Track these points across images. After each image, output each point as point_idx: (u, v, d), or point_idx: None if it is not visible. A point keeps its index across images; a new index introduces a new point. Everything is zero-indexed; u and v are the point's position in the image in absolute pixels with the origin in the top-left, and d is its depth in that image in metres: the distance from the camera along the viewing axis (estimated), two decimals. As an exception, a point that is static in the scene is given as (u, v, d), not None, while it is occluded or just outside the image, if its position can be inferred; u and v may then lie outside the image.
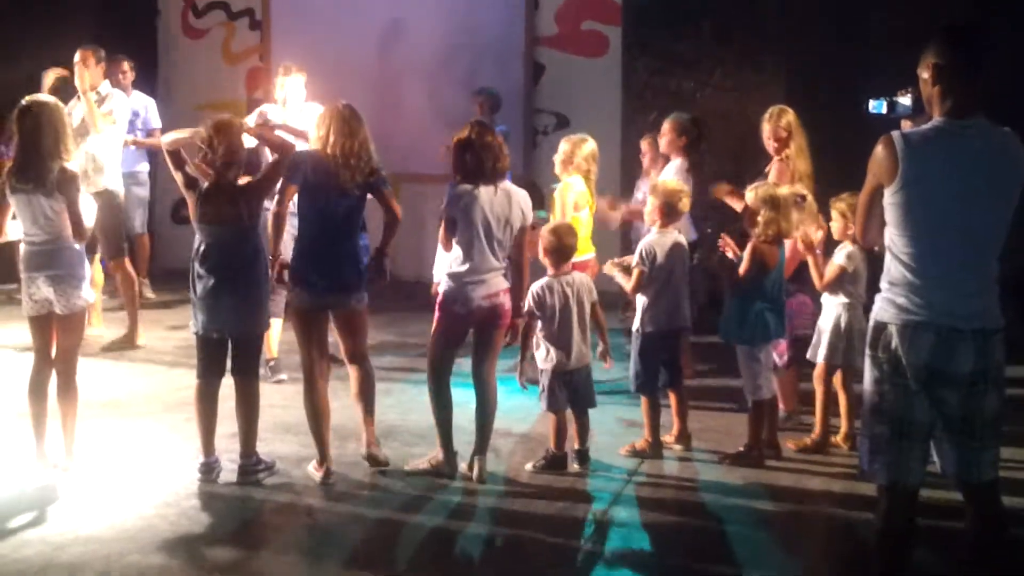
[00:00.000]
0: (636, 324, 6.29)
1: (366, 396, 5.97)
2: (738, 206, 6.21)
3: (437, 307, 5.83)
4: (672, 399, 6.39)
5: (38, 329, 5.87)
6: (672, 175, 7.57)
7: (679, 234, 6.40)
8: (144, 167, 10.44)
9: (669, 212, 6.29)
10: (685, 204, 6.41)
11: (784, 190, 6.04)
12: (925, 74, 3.97)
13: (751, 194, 6.01)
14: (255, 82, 12.02)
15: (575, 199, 7.03)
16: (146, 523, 5.22)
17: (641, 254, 6.21)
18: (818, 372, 6.30)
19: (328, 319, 5.88)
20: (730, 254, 6.11)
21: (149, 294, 10.52)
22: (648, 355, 6.25)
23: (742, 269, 5.98)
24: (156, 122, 10.14)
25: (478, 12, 11.13)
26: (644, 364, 6.24)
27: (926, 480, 3.99)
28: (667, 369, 6.32)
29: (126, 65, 9.99)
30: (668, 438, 6.41)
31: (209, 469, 5.76)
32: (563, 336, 5.89)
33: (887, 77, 5.44)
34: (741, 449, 6.12)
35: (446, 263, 5.85)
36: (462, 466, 5.85)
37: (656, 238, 6.25)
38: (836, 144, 7.07)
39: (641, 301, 6.27)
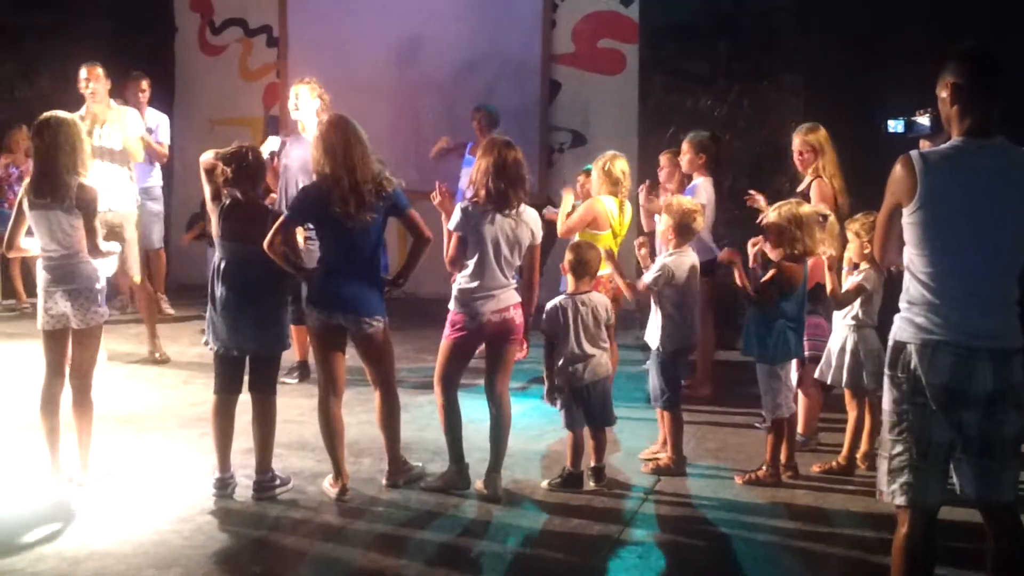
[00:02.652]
0: (656, 342, 6.30)
1: (388, 425, 5.94)
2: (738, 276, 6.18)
3: (448, 322, 5.83)
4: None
5: (53, 344, 5.88)
6: (702, 195, 7.60)
7: (693, 254, 6.41)
8: (157, 182, 10.49)
9: (683, 231, 6.32)
10: (700, 223, 6.44)
11: (807, 208, 6.03)
12: (943, 93, 3.97)
13: (774, 213, 6.00)
14: (272, 98, 12.06)
15: (596, 216, 7.03)
16: (161, 538, 5.22)
17: (658, 272, 6.22)
18: (848, 396, 6.29)
19: (344, 339, 5.87)
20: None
21: (169, 309, 10.56)
22: (670, 372, 6.26)
23: (767, 278, 5.96)
24: (166, 138, 10.20)
25: (495, 30, 11.17)
26: (667, 381, 6.24)
27: (946, 499, 3.97)
28: None
29: (144, 83, 10.07)
30: (656, 447, 6.46)
31: (224, 485, 5.76)
32: (578, 353, 5.89)
33: (905, 96, 5.43)
34: (759, 468, 6.09)
35: (457, 280, 5.84)
36: (477, 483, 5.85)
37: (674, 259, 6.27)
38: (854, 163, 7.06)
39: (658, 319, 6.28)
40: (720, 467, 6.38)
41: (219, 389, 5.81)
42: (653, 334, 6.32)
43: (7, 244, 6.00)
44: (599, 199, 7.11)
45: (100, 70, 8.57)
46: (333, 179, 5.53)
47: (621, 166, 7.14)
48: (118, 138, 8.56)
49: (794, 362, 6.29)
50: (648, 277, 6.26)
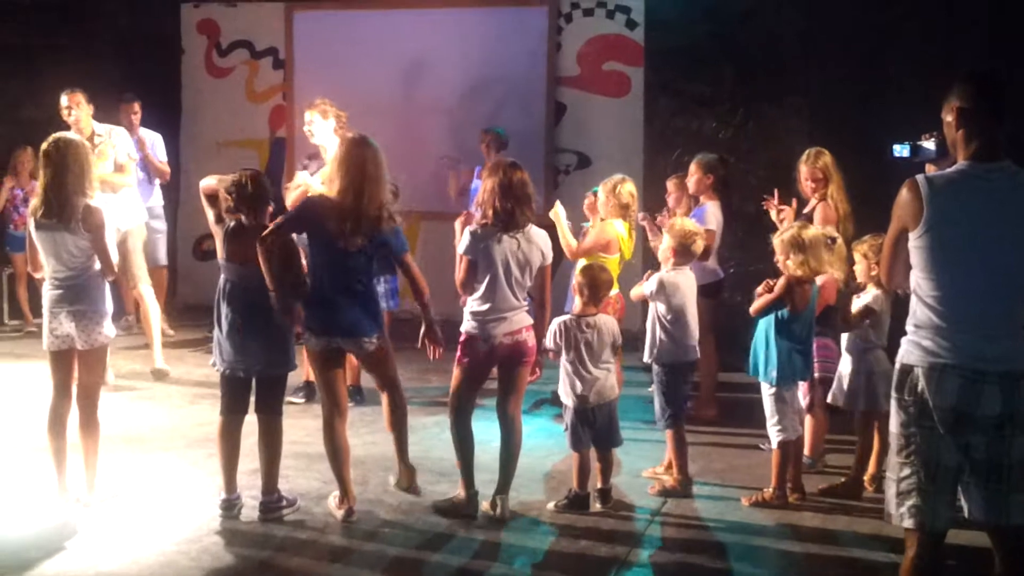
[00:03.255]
0: (652, 359, 6.35)
1: (397, 424, 5.92)
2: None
3: (459, 345, 5.84)
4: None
5: (58, 364, 5.89)
6: (712, 220, 7.63)
7: (691, 274, 6.47)
8: (159, 201, 10.54)
9: (682, 252, 6.36)
10: (699, 246, 6.47)
11: (812, 231, 6.04)
12: (949, 117, 3.99)
13: (778, 240, 6.02)
14: (279, 121, 12.11)
15: (609, 240, 7.07)
16: (167, 559, 5.21)
17: (656, 286, 6.29)
18: (858, 418, 6.29)
19: (344, 359, 5.88)
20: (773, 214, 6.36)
21: (168, 330, 10.55)
22: (671, 391, 6.28)
23: (772, 295, 5.96)
24: (162, 156, 10.27)
25: (501, 52, 11.19)
26: (668, 399, 6.26)
27: (955, 522, 3.97)
28: None
29: (136, 105, 10.14)
30: (660, 468, 6.45)
31: (231, 506, 5.76)
32: (583, 374, 5.90)
33: (911, 121, 5.45)
34: (765, 490, 6.09)
35: (468, 303, 5.85)
36: (484, 504, 5.84)
37: (671, 275, 6.32)
38: (860, 187, 7.07)
39: (656, 336, 6.33)
40: (726, 489, 6.37)
41: (225, 410, 5.81)
42: (649, 351, 6.37)
43: (32, 265, 6.05)
44: (611, 223, 7.13)
45: (81, 96, 8.61)
46: (339, 196, 5.55)
47: (629, 189, 7.17)
48: (110, 164, 8.63)
49: (804, 384, 6.30)
50: (647, 288, 6.30)
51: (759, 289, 6.08)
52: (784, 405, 6.00)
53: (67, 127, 8.37)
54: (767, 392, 6.03)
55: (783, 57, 9.76)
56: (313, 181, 7.90)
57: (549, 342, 5.94)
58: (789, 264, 5.90)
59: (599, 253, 7.06)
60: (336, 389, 5.78)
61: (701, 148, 8.57)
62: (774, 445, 6.05)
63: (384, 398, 5.94)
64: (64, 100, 8.58)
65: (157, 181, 10.28)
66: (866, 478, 6.25)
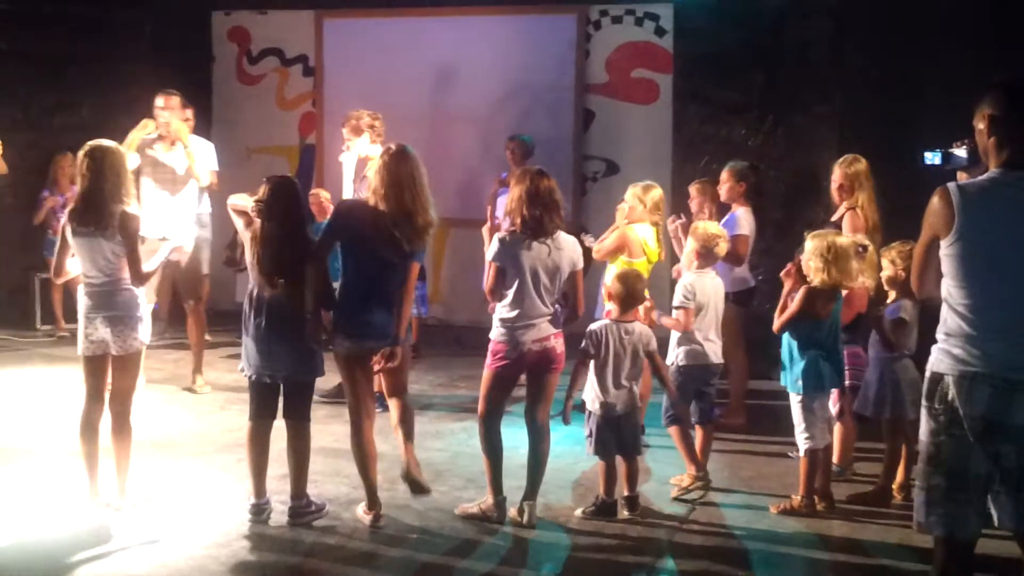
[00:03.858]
0: (671, 359, 6.39)
1: (406, 424, 5.89)
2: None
3: (489, 352, 5.85)
4: (699, 435, 6.43)
5: (93, 369, 5.94)
6: (744, 226, 7.63)
7: (717, 277, 6.52)
8: (206, 208, 10.58)
9: (706, 255, 6.41)
10: (722, 248, 6.49)
11: (844, 239, 6.03)
12: (980, 125, 3.98)
13: (810, 243, 6.00)
14: (308, 127, 12.17)
15: (628, 244, 7.10)
16: (197, 564, 5.24)
17: (684, 294, 6.32)
18: (886, 426, 6.27)
19: (371, 360, 5.91)
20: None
21: (206, 336, 10.60)
22: (683, 388, 6.31)
23: (792, 309, 5.95)
24: (213, 164, 10.30)
25: (529, 59, 11.24)
26: (677, 398, 6.29)
27: (984, 531, 3.95)
28: (698, 403, 6.40)
29: (189, 112, 10.18)
30: (686, 478, 6.44)
31: (260, 511, 5.79)
32: (613, 382, 5.90)
33: (942, 128, 5.43)
34: (793, 498, 6.07)
35: (497, 310, 5.86)
36: (512, 511, 5.84)
37: (695, 278, 6.37)
38: (890, 195, 7.04)
39: (675, 337, 6.38)
40: (754, 496, 6.35)
41: (254, 415, 5.83)
42: (670, 351, 6.40)
43: (55, 271, 6.10)
44: (631, 227, 7.16)
45: (178, 99, 8.61)
46: (391, 209, 5.56)
47: (655, 195, 7.19)
48: (183, 163, 8.62)
49: (834, 392, 6.28)
50: (676, 300, 6.32)
51: (783, 278, 6.07)
52: (812, 414, 5.98)
53: (112, 132, 8.37)
54: (795, 400, 6.02)
55: (813, 64, 9.75)
56: (347, 161, 7.92)
57: (587, 346, 5.93)
58: (811, 265, 5.90)
59: (623, 257, 7.08)
60: (364, 394, 5.80)
61: (730, 155, 8.57)
62: (802, 453, 6.04)
63: (393, 403, 5.90)
64: (160, 101, 8.56)
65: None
66: (895, 486, 6.22)
